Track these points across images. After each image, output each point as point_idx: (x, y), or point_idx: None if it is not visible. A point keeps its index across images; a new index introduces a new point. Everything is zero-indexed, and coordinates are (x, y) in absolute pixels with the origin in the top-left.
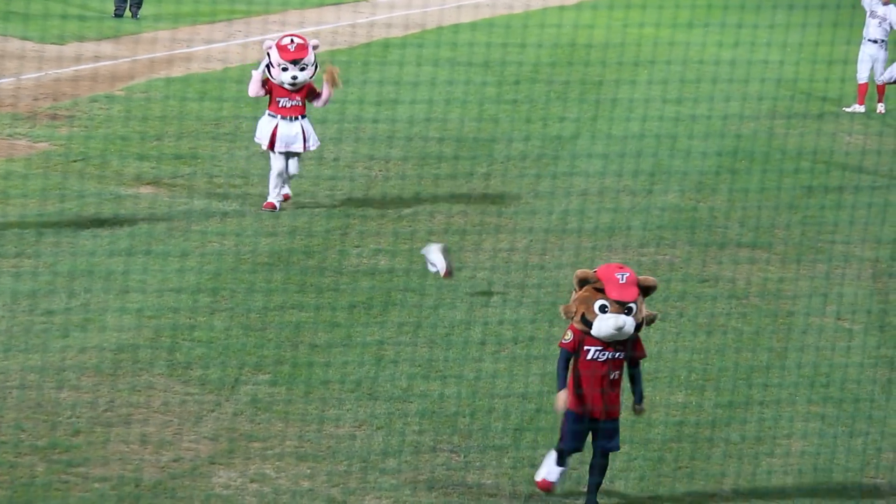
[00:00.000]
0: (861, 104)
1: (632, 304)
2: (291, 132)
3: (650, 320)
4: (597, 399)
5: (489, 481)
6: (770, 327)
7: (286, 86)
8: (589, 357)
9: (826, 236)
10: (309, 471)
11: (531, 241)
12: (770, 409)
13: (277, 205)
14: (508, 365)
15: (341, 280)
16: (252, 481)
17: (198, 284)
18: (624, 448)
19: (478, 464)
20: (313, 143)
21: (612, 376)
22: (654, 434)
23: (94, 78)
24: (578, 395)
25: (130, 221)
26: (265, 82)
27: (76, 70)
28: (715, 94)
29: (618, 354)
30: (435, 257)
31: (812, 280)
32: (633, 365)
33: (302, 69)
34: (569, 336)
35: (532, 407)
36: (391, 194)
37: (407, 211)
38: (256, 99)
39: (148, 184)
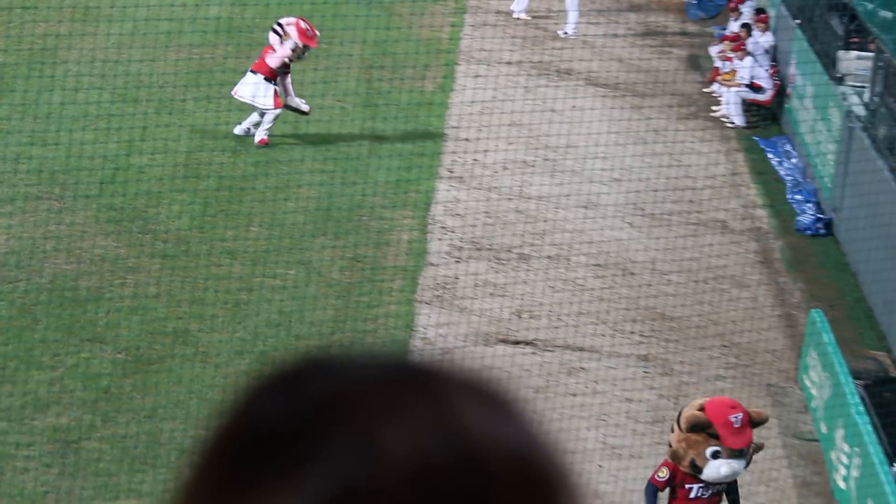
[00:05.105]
0: None
1: (746, 449)
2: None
3: (757, 450)
4: None
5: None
6: None
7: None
8: (692, 496)
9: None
10: None
11: None
12: (286, 166)
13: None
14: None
15: None
16: None
17: None
18: (181, 196)
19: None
20: None
21: None
22: (203, 185)
23: None
24: None
25: None
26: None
27: None
28: None
29: (721, 486)
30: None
31: (315, 73)
32: (731, 490)
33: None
34: (663, 474)
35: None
36: None
37: None
38: None
39: None
